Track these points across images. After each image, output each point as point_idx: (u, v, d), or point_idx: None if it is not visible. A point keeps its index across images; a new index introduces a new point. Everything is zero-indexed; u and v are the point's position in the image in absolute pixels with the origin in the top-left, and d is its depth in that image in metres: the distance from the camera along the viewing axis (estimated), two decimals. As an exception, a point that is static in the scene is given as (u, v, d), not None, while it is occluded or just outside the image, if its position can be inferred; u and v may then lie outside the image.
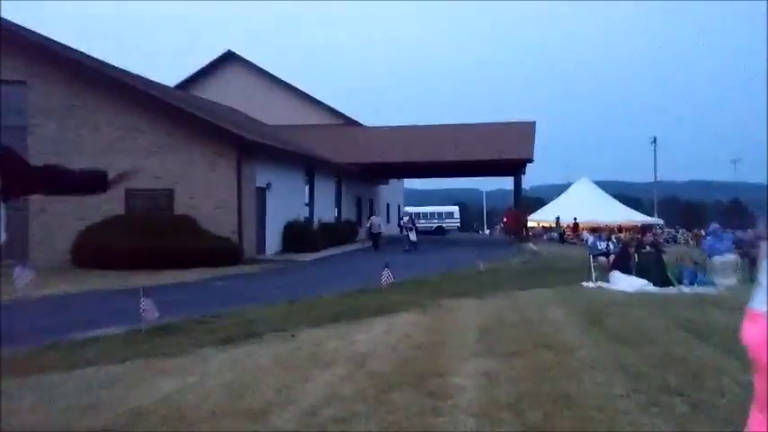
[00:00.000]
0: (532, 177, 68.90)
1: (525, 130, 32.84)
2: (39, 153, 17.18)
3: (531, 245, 19.29)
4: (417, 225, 49.01)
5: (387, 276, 10.46)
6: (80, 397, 4.35)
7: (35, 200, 17.12)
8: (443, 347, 5.95)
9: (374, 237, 25.22)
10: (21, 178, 3.36)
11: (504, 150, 30.74)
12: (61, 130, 17.46)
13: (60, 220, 17.16)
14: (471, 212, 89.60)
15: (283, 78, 37.36)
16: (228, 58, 37.05)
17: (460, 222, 56.42)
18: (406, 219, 25.82)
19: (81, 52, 20.31)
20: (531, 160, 30.75)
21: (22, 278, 10.39)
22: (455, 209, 55.92)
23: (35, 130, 17.38)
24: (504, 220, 39.05)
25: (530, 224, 33.90)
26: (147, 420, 3.85)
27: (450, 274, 13.85)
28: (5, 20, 18.65)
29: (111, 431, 3.68)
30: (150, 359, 5.60)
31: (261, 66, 37.32)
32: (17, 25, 18.89)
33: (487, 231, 63.25)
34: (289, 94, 36.99)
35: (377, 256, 20.92)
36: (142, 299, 6.79)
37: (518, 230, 33.25)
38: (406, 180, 51.09)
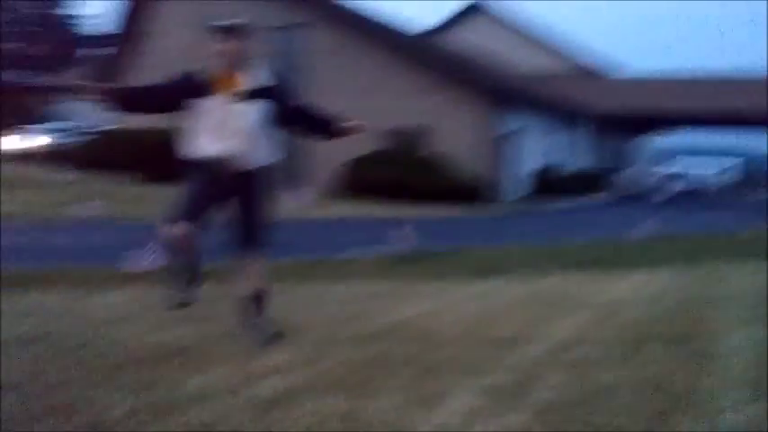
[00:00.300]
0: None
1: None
2: (312, 89, 19.06)
3: None
4: (686, 178, 44.28)
5: (650, 227, 9.72)
6: (344, 306, 4.83)
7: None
8: (711, 309, 5.43)
9: (631, 189, 23.61)
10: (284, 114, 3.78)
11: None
12: (330, 71, 18.97)
13: (338, 148, 18.82)
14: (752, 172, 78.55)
15: (529, 28, 35.65)
16: (472, 10, 36.16)
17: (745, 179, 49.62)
18: (661, 172, 23.68)
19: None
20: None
21: (305, 197, 11.65)
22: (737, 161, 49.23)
23: (311, 71, 19.16)
24: None
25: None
26: (405, 332, 4.16)
27: (717, 236, 12.44)
28: None
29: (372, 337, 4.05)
30: (408, 281, 6.02)
31: (508, 17, 35.94)
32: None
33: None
34: (537, 44, 35.26)
35: (631, 209, 19.62)
36: (404, 225, 7.26)
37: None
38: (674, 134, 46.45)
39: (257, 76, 3.69)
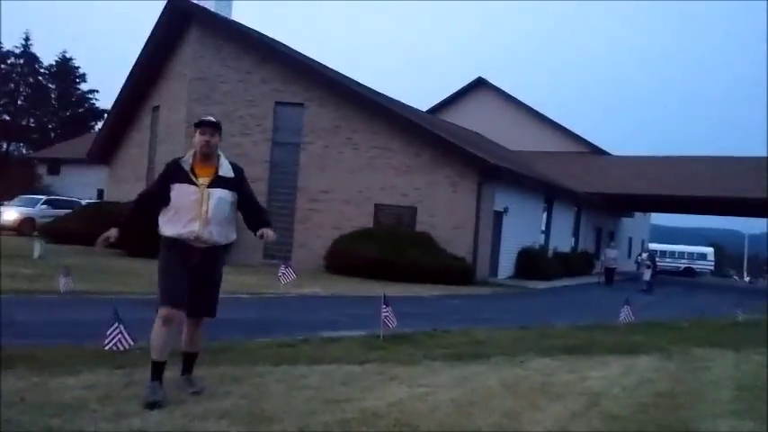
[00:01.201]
0: (811, 222, 59.20)
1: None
2: (307, 166, 19.34)
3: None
4: (663, 264, 44.85)
5: (626, 314, 9.77)
6: (320, 391, 4.70)
7: (300, 208, 19.20)
8: (692, 399, 5.35)
9: (608, 271, 23.44)
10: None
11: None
12: (327, 147, 19.28)
13: (319, 228, 18.94)
14: (728, 256, 79.98)
15: (530, 105, 37.19)
16: (478, 85, 37.91)
17: (714, 266, 50.69)
18: (644, 255, 23.32)
19: (349, 78, 22.34)
20: (811, 202, 26.52)
21: (285, 277, 11.65)
22: (709, 250, 50.37)
23: (307, 147, 19.43)
24: (771, 267, 34.17)
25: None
26: (380, 421, 4.03)
27: (700, 321, 12.47)
28: (291, 48, 21.28)
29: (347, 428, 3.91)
30: (385, 364, 5.89)
31: (509, 92, 37.58)
32: (300, 53, 21.43)
33: (747, 279, 55.93)
34: (534, 120, 36.70)
35: (611, 292, 19.68)
36: (384, 307, 7.17)
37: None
38: (653, 215, 47.45)
39: (224, 166, 4.38)
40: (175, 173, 4.29)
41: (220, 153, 4.43)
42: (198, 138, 4.32)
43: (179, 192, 4.23)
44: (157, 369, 4.20)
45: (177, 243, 4.25)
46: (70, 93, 51.18)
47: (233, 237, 4.48)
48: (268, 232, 4.39)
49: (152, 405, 3.95)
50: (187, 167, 4.29)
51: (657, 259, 47.31)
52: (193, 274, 4.28)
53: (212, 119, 4.40)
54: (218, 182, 4.30)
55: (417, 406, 4.47)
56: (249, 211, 4.52)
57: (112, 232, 4.34)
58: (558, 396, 5.10)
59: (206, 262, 4.32)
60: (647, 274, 21.35)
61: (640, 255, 23.92)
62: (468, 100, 37.58)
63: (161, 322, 4.17)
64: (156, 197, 4.35)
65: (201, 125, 4.34)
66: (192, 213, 4.21)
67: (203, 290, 4.32)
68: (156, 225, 4.37)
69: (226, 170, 4.38)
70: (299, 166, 19.45)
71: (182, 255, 4.25)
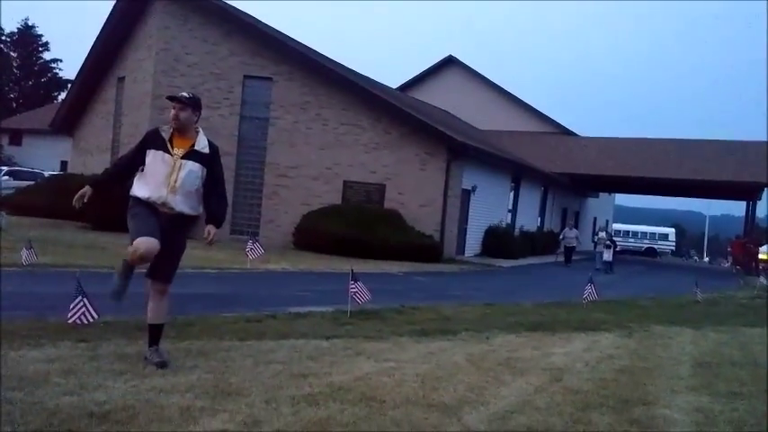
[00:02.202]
0: (768, 205, 61.10)
1: (763, 151, 29.23)
2: (275, 142, 19.14)
3: (762, 279, 17.11)
4: (625, 244, 45.55)
5: (590, 292, 9.97)
6: (287, 365, 4.71)
7: (268, 184, 19.04)
8: (651, 375, 5.50)
9: (567, 250, 23.06)
10: None
11: (735, 172, 27.68)
12: (296, 123, 19.09)
13: (287, 204, 18.83)
14: (689, 237, 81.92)
15: (500, 84, 37.27)
16: (449, 63, 37.82)
17: (675, 246, 51.94)
18: (602, 234, 22.72)
19: (318, 53, 22.07)
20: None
21: (253, 252, 11.58)
22: (671, 231, 51.58)
23: (275, 122, 19.21)
24: (730, 249, 35.07)
25: (761, 256, 30.16)
26: (347, 395, 4.06)
27: (660, 300, 12.81)
28: (260, 21, 20.92)
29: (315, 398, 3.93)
30: (352, 339, 5.92)
31: (479, 71, 37.59)
32: (269, 26, 21.08)
33: (706, 259, 57.44)
34: (504, 99, 36.82)
35: (571, 270, 20.01)
36: (352, 283, 7.19)
37: (746, 262, 29.72)
38: (617, 195, 48.27)
39: (201, 141, 4.50)
40: (154, 140, 4.45)
41: (200, 129, 4.56)
42: (172, 112, 4.46)
43: (153, 158, 4.39)
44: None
45: (147, 203, 4.40)
46: (32, 61, 49.65)
47: (199, 209, 4.57)
48: (211, 230, 4.44)
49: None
50: (166, 136, 4.45)
51: (620, 239, 48.35)
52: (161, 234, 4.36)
53: (186, 94, 4.52)
54: (191, 155, 4.43)
55: (384, 380, 4.51)
56: (209, 193, 4.56)
57: (87, 190, 4.45)
58: (522, 371, 5.20)
59: (170, 229, 4.40)
60: (606, 254, 21.13)
61: (597, 234, 23.45)
62: (438, 78, 37.49)
63: (137, 254, 4.21)
64: (133, 163, 4.50)
65: (172, 99, 4.48)
66: (162, 180, 4.35)
67: (163, 255, 4.33)
68: (128, 188, 4.50)
69: (202, 146, 4.50)
70: (267, 141, 19.25)
71: (152, 209, 4.39)
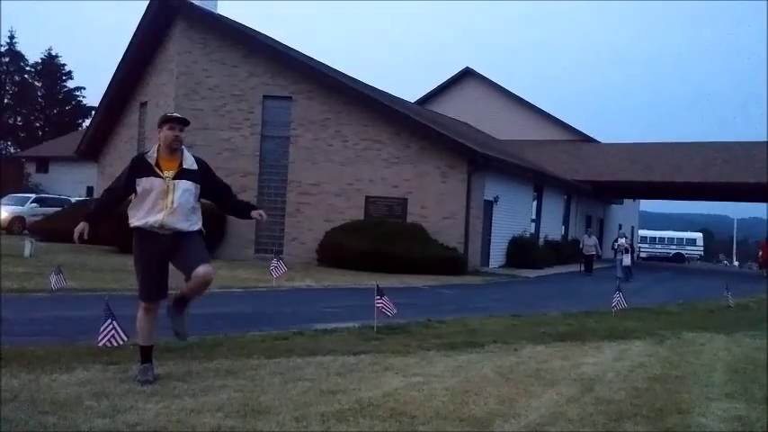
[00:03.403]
0: (798, 206, 59.68)
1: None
2: (297, 160, 19.28)
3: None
4: (652, 250, 44.78)
5: (618, 300, 9.84)
6: (316, 383, 4.71)
7: (291, 202, 19.15)
8: (685, 383, 5.39)
9: (586, 258, 22.28)
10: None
11: (762, 173, 27.19)
12: (316, 140, 19.21)
13: (310, 221, 18.91)
14: (717, 241, 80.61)
15: (518, 94, 37.20)
16: (466, 75, 37.86)
17: (704, 251, 51.12)
18: (621, 240, 21.20)
19: (336, 70, 22.24)
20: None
21: (277, 270, 11.64)
22: (698, 236, 50.84)
23: (296, 141, 19.35)
24: (760, 252, 34.41)
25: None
26: (376, 411, 4.04)
27: (691, 306, 12.58)
28: (278, 41, 21.16)
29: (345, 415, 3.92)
30: (380, 355, 5.90)
31: (497, 82, 37.57)
32: (286, 46, 21.31)
33: (736, 263, 56.41)
34: (523, 109, 36.71)
35: (595, 280, 19.69)
36: (377, 297, 7.18)
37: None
38: (642, 202, 47.70)
39: (188, 159, 4.57)
40: (141, 167, 4.50)
41: (184, 147, 4.64)
42: (167, 133, 4.48)
43: (145, 185, 4.44)
44: (146, 353, 4.57)
45: (146, 234, 4.49)
46: (57, 90, 50.69)
47: (198, 225, 4.63)
48: (260, 213, 4.72)
49: (146, 383, 4.34)
50: (152, 161, 4.48)
51: (647, 245, 47.58)
52: (171, 255, 4.51)
53: (179, 115, 4.61)
54: (182, 174, 4.50)
55: (413, 395, 4.49)
56: (224, 198, 4.79)
57: (84, 226, 4.53)
58: (553, 382, 5.13)
59: (178, 242, 4.49)
60: (625, 260, 20.14)
61: (616, 240, 22.00)
62: (456, 90, 37.53)
63: (143, 312, 4.54)
64: (122, 191, 4.59)
65: (171, 121, 4.51)
66: (159, 204, 4.42)
67: (184, 256, 4.46)
68: (120, 214, 4.67)
69: (190, 163, 4.57)
70: (288, 159, 19.39)
71: (151, 246, 4.49)
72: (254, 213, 4.75)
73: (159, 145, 4.52)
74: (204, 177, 4.62)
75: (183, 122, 4.54)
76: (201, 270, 4.38)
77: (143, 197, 4.45)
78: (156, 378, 4.48)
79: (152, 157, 4.49)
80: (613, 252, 21.99)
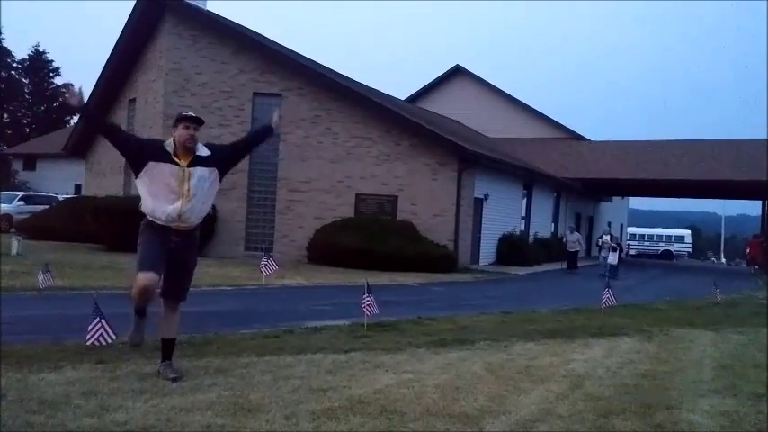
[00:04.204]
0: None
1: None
2: (287, 157, 19.21)
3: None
4: (641, 247, 44.90)
5: (608, 297, 9.88)
6: (309, 379, 4.70)
7: (281, 199, 19.10)
8: (673, 379, 5.43)
9: (570, 255, 22.20)
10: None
11: (750, 171, 27.41)
12: (306, 137, 19.16)
13: (301, 218, 18.87)
14: (706, 239, 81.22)
15: (508, 92, 37.26)
16: (456, 73, 37.88)
17: (692, 248, 51.49)
18: (606, 237, 20.65)
19: (326, 67, 22.18)
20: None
21: (267, 268, 11.60)
22: (686, 233, 51.18)
23: (286, 138, 19.28)
24: (748, 249, 34.70)
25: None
26: (367, 408, 4.04)
27: (679, 303, 12.68)
28: (268, 38, 21.08)
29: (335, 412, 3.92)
30: (370, 352, 5.90)
31: (487, 80, 37.61)
32: (277, 43, 21.23)
33: (724, 260, 56.86)
34: (513, 107, 36.78)
35: (579, 277, 19.75)
36: (366, 296, 7.18)
37: (765, 262, 29.39)
38: (631, 199, 47.97)
39: (201, 149, 4.62)
40: (157, 152, 4.50)
41: (198, 143, 4.65)
42: (181, 132, 4.50)
43: (160, 170, 4.44)
44: (140, 310, 4.60)
45: (158, 226, 4.49)
46: (44, 87, 50.27)
47: (207, 210, 4.77)
48: (274, 120, 5.19)
49: (136, 345, 4.68)
50: (170, 150, 4.51)
51: (635, 243, 47.82)
52: (170, 259, 4.50)
53: (193, 114, 4.63)
54: (197, 161, 4.53)
55: (403, 392, 4.49)
56: (240, 148, 5.09)
57: (80, 98, 4.73)
58: (542, 379, 5.15)
59: (183, 248, 4.56)
60: (611, 257, 19.57)
61: (601, 237, 21.44)
62: (446, 88, 37.55)
63: (138, 288, 4.41)
64: (123, 136, 4.71)
65: (185, 120, 4.54)
66: (176, 192, 4.44)
67: (177, 275, 4.57)
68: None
69: (202, 152, 4.63)
70: (278, 156, 19.33)
71: (161, 235, 4.49)
72: (272, 123, 5.15)
73: (174, 139, 4.55)
74: (218, 157, 4.67)
75: (197, 122, 4.56)
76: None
77: (158, 182, 4.43)
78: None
79: (170, 146, 4.52)
80: (598, 249, 21.85)
